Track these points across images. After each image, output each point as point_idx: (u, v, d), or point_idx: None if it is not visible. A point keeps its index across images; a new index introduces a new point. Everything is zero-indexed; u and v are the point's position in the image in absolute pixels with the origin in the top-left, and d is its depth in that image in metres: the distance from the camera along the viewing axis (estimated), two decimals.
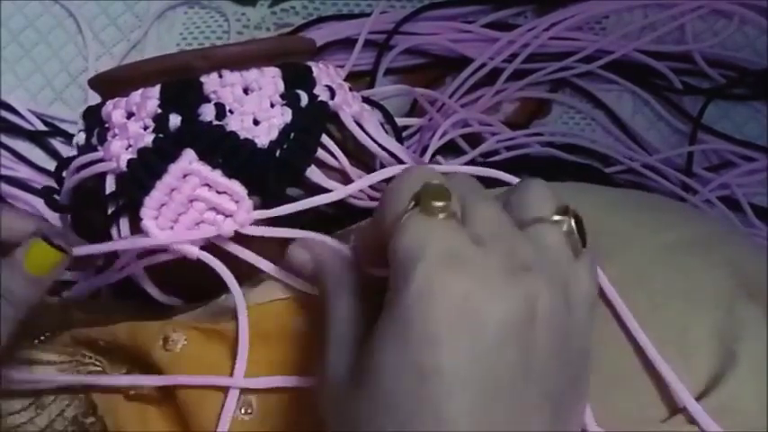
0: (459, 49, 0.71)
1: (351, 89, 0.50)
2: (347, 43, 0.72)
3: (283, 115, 0.44)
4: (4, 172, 0.68)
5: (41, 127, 0.70)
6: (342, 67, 0.70)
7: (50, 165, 0.68)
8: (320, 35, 0.72)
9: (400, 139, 0.54)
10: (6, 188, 0.67)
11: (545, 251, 0.32)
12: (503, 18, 0.73)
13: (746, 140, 0.68)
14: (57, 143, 0.70)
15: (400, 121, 0.59)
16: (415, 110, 0.70)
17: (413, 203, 0.32)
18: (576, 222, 0.33)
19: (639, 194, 0.57)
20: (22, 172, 0.68)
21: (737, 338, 0.38)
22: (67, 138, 0.69)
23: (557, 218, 0.33)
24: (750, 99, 0.70)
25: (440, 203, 0.31)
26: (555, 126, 0.70)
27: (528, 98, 0.71)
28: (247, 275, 0.43)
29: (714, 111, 0.70)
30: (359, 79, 0.71)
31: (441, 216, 0.31)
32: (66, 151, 0.68)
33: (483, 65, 0.70)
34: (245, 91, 0.44)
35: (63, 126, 0.70)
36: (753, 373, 0.37)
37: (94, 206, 0.45)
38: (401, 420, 0.29)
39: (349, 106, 0.47)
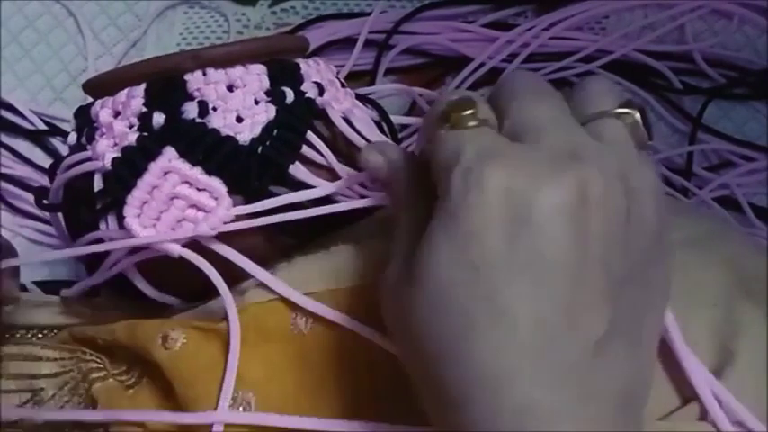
0: (459, 48, 0.71)
1: (344, 86, 0.50)
2: (347, 43, 0.72)
3: (267, 112, 0.44)
4: (4, 171, 0.68)
5: (42, 126, 0.70)
6: (342, 66, 0.70)
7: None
8: (320, 34, 0.72)
9: (396, 139, 0.53)
10: (6, 187, 0.68)
11: (605, 145, 0.31)
12: (502, 18, 0.73)
13: (746, 140, 0.68)
14: (56, 143, 0.70)
15: (397, 120, 0.59)
16: (414, 110, 0.70)
17: (443, 123, 0.32)
18: (641, 115, 0.32)
19: None
20: (22, 171, 0.68)
21: (735, 336, 0.37)
22: (67, 137, 0.69)
23: (619, 111, 0.32)
24: (750, 99, 0.70)
25: (467, 112, 0.31)
26: None
27: None
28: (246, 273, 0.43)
29: (714, 111, 0.70)
30: (359, 79, 0.71)
31: (470, 124, 0.31)
32: (66, 151, 0.68)
33: (482, 64, 0.70)
34: (230, 88, 0.44)
35: (63, 126, 0.70)
36: (751, 371, 0.37)
37: (84, 204, 0.45)
38: (457, 313, 0.29)
39: (339, 103, 0.47)
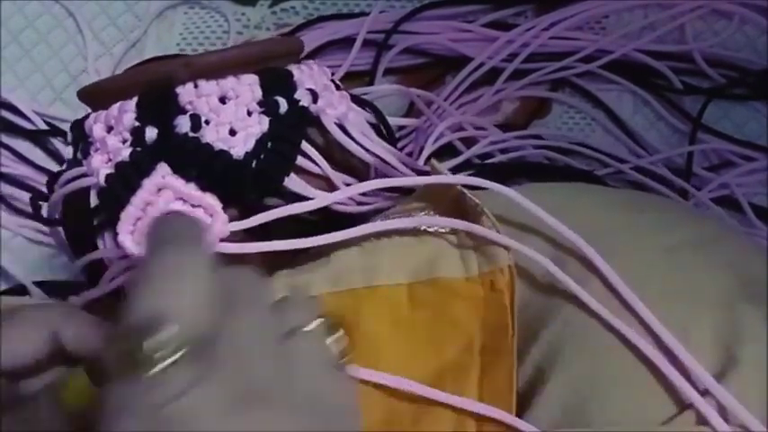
0: (459, 48, 0.71)
1: (340, 88, 0.50)
2: (346, 42, 0.72)
3: (260, 124, 0.44)
4: (4, 171, 0.68)
5: (43, 126, 0.70)
6: (340, 66, 0.70)
7: (50, 164, 0.68)
8: (319, 34, 0.72)
9: (393, 140, 0.53)
10: (6, 188, 0.67)
11: (297, 366, 0.28)
12: (502, 17, 0.73)
13: (746, 140, 0.68)
14: (56, 143, 0.70)
15: (394, 122, 0.59)
16: (412, 110, 0.70)
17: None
18: (334, 326, 0.31)
19: (640, 195, 0.57)
20: (22, 171, 0.68)
21: (738, 340, 0.38)
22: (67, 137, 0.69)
23: (311, 327, 0.30)
24: (750, 99, 0.70)
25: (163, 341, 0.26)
26: (555, 126, 0.70)
27: (528, 98, 0.71)
28: None
29: (714, 111, 0.69)
30: (358, 79, 0.71)
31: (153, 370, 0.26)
32: (65, 151, 0.68)
33: (482, 64, 0.70)
34: (222, 100, 0.44)
35: (63, 126, 0.70)
36: (754, 375, 0.37)
37: (82, 218, 0.45)
38: None
39: (333, 109, 0.47)
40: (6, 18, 0.73)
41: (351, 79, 0.70)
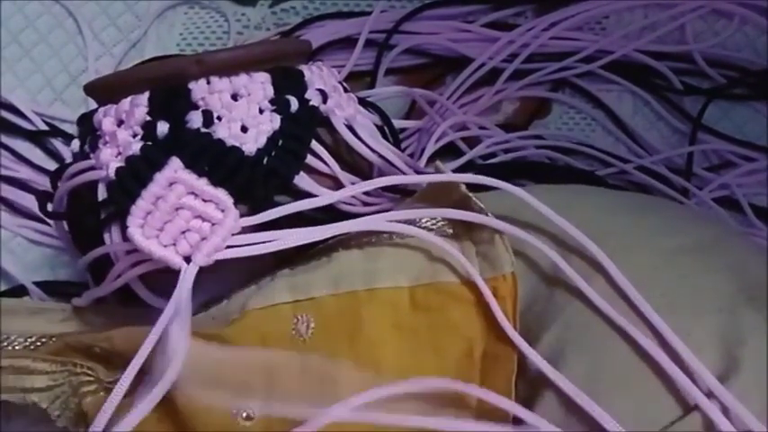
0: (459, 48, 0.71)
1: (347, 90, 0.50)
2: (347, 42, 0.72)
3: (272, 122, 0.44)
4: (4, 172, 0.68)
5: (43, 127, 0.70)
6: (342, 66, 0.70)
7: (50, 165, 0.68)
8: (320, 34, 0.72)
9: (398, 142, 0.54)
10: (6, 188, 0.67)
11: None
12: (503, 18, 0.73)
13: (746, 140, 0.68)
14: (56, 143, 0.70)
15: (398, 124, 0.59)
16: (413, 110, 0.70)
17: None
18: None
19: (641, 197, 0.57)
20: (22, 172, 0.68)
21: (740, 343, 0.37)
22: (67, 138, 0.69)
23: None
24: (750, 99, 0.70)
25: None
26: (555, 126, 0.70)
27: (528, 98, 0.71)
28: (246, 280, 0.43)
29: (714, 111, 0.69)
30: (359, 79, 0.71)
31: None
32: (65, 151, 0.68)
33: (483, 64, 0.70)
34: (234, 97, 0.44)
35: (63, 126, 0.70)
36: (755, 378, 0.37)
37: (88, 213, 0.45)
38: None
39: (342, 110, 0.47)
40: (6, 18, 0.73)
41: (351, 79, 0.70)
